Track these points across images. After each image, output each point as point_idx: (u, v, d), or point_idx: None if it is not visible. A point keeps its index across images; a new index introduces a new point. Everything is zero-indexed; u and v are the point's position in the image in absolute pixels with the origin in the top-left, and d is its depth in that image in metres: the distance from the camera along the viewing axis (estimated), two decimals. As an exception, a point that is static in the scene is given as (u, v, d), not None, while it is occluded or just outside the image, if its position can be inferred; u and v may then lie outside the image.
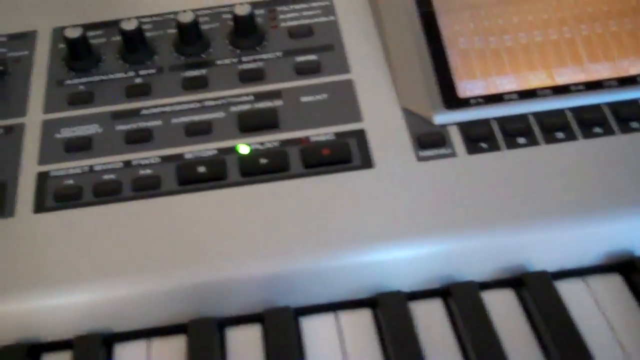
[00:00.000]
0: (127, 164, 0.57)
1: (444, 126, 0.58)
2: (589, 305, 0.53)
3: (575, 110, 0.58)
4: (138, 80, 0.62)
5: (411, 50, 0.60)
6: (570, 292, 0.53)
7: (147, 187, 0.56)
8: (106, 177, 0.57)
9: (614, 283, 0.54)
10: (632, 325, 0.52)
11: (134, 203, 0.56)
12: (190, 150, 0.58)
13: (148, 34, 0.64)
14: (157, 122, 0.59)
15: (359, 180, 0.56)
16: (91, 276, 0.53)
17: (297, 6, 0.66)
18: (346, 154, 0.57)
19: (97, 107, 0.61)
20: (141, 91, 0.61)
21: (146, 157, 0.58)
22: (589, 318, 0.52)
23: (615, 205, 0.54)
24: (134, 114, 0.60)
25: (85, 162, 0.58)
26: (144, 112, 0.60)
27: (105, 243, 0.54)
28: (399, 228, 0.54)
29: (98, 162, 0.58)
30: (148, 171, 0.57)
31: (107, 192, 0.56)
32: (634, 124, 0.57)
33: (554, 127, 0.57)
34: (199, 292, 0.53)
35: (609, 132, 0.57)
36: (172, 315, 0.53)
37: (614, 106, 0.58)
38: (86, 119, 0.60)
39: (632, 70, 0.59)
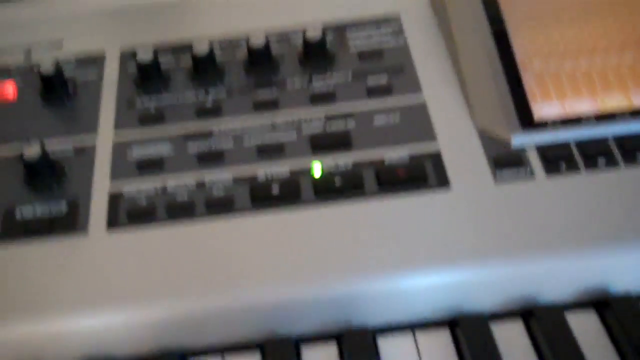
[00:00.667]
0: (200, 184, 0.57)
1: (521, 148, 0.57)
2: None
3: (655, 132, 0.57)
4: (209, 101, 0.62)
5: (485, 71, 0.60)
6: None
7: (220, 207, 0.56)
8: (179, 196, 0.57)
9: None
10: None
11: (207, 222, 0.55)
12: (263, 170, 0.58)
13: (218, 55, 0.64)
14: (228, 143, 0.59)
15: (436, 201, 0.55)
16: (165, 293, 0.52)
17: (366, 30, 0.66)
18: (422, 175, 0.56)
19: (168, 127, 0.61)
20: (212, 112, 0.61)
21: (219, 177, 0.57)
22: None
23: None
24: (206, 134, 0.60)
25: (158, 182, 0.57)
26: (215, 132, 0.60)
27: (179, 261, 0.53)
28: (479, 249, 0.53)
29: (171, 181, 0.57)
30: (221, 191, 0.57)
31: (180, 211, 0.56)
32: None
33: (634, 150, 0.56)
34: (275, 311, 0.52)
35: (690, 154, 0.56)
36: (246, 333, 0.53)
37: (695, 128, 0.57)
38: (157, 139, 0.60)
39: None
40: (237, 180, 0.57)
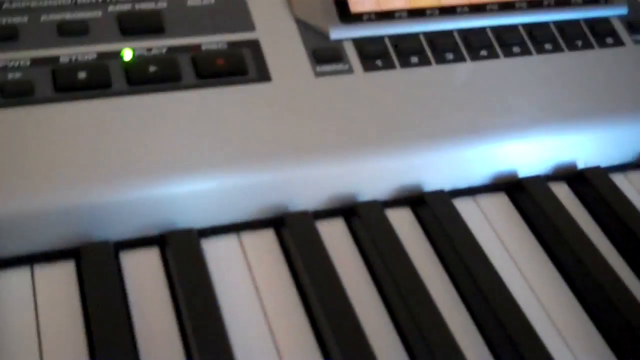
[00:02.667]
0: (-8, 65, 0.50)
1: (339, 41, 0.56)
2: (480, 220, 0.55)
3: (463, 31, 0.59)
4: (-6, -32, 0.53)
5: (304, -42, 0.58)
6: (463, 209, 0.55)
7: (17, 94, 0.49)
8: (-34, 79, 0.49)
9: (501, 201, 0.57)
10: (520, 239, 0.55)
11: (2, 111, 0.48)
12: (67, 52, 0.51)
13: None
14: (22, 19, 0.52)
15: (257, 93, 0.53)
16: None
17: None
18: (242, 65, 0.53)
19: (-58, -4, 0.51)
20: (-1, -19, 0.53)
21: (14, 58, 0.50)
22: (482, 232, 0.54)
23: (502, 127, 0.56)
24: (-7, 7, 0.52)
25: (-63, 61, 0.49)
26: (6, 5, 0.52)
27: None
28: (300, 145, 0.52)
29: (-47, 61, 0.49)
30: (18, 75, 0.50)
31: (-32, 97, 0.48)
32: (516, 49, 0.59)
33: (444, 48, 0.58)
34: (89, 213, 0.48)
35: (494, 55, 0.59)
36: (58, 239, 0.48)
37: (498, 30, 0.60)
38: None
39: (512, -4, 0.61)
40: (35, 63, 0.50)
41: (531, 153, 0.57)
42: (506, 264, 0.53)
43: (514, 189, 0.57)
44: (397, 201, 0.55)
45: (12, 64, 0.50)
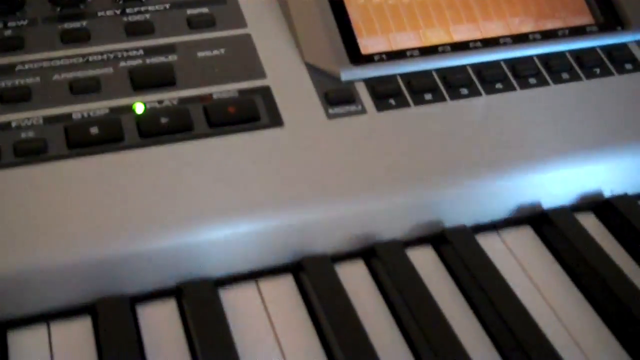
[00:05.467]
0: (6, 126, 0.50)
1: (350, 82, 0.56)
2: (505, 255, 0.54)
3: (476, 65, 0.58)
4: (8, 33, 0.54)
5: (311, 4, 0.58)
6: (487, 245, 0.53)
7: (31, 152, 0.49)
8: (-19, 141, 0.49)
9: (526, 234, 0.55)
10: (548, 273, 0.53)
11: (17, 170, 0.49)
12: (79, 109, 0.52)
13: (14, -19, 0.57)
14: (35, 79, 0.52)
15: (270, 139, 0.53)
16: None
17: (181, -44, 0.61)
18: (254, 112, 0.53)
19: (-40, 62, 0.53)
20: (13, 45, 0.53)
21: (27, 117, 0.51)
22: (508, 268, 0.53)
23: (522, 160, 0.55)
24: (7, 69, 0.52)
25: (-47, 124, 0.50)
26: (19, 67, 0.53)
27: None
28: (317, 188, 0.51)
29: (-31, 124, 0.50)
30: (31, 134, 0.50)
31: (-17, 158, 0.49)
32: (532, 80, 0.58)
33: (457, 83, 0.57)
34: (104, 268, 0.47)
35: (510, 87, 0.58)
36: (74, 296, 0.47)
37: (512, 62, 0.59)
38: (-52, 75, 0.52)
39: (523, 29, 0.60)
40: (48, 121, 0.51)
41: (555, 184, 0.55)
42: (535, 300, 0.51)
43: (539, 221, 0.55)
44: (418, 239, 0.53)
45: (25, 123, 0.50)
